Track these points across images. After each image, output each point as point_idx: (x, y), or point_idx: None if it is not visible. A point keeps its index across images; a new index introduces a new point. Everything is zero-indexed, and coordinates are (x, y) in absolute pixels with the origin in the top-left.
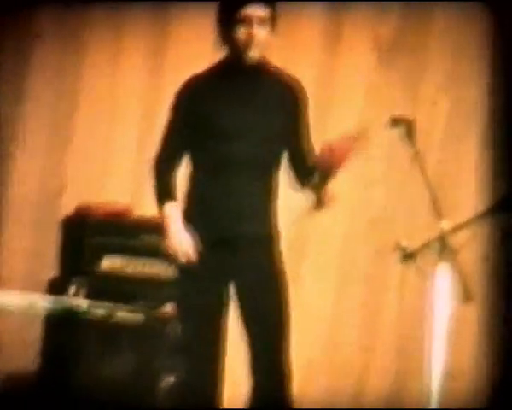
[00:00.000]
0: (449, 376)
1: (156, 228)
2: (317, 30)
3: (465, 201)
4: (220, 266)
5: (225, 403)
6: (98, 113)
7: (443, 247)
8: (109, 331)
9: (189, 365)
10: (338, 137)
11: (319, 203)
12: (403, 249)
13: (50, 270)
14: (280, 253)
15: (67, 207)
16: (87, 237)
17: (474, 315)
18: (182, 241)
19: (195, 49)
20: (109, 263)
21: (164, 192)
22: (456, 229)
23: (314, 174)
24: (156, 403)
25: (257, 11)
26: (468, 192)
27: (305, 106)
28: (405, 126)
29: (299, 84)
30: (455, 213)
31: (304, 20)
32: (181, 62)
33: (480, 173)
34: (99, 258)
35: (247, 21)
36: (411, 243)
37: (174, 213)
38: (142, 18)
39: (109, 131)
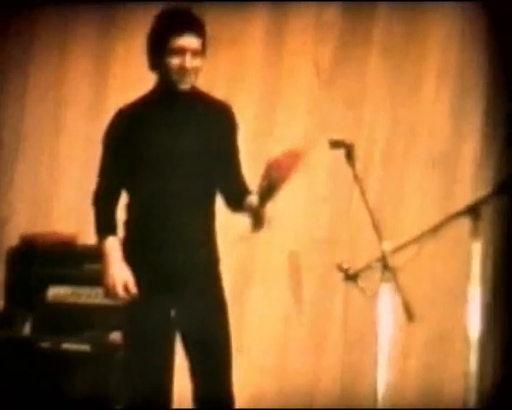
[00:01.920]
0: (394, 396)
1: (101, 256)
2: (259, 49)
3: (409, 220)
4: (161, 294)
5: None
6: (42, 141)
7: (385, 267)
8: (58, 360)
9: (136, 391)
10: (284, 152)
11: (257, 225)
12: (345, 271)
13: None
14: (220, 278)
15: (11, 237)
16: (32, 268)
17: (419, 334)
18: (122, 275)
19: (140, 68)
20: (55, 293)
21: (103, 226)
22: (398, 249)
23: (247, 198)
24: None
25: (190, 42)
26: (412, 211)
27: (236, 130)
28: (345, 149)
29: (229, 108)
30: (399, 233)
31: (245, 41)
32: (126, 81)
33: (424, 192)
34: (45, 288)
35: (180, 52)
36: (354, 264)
37: (113, 248)
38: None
39: (53, 160)
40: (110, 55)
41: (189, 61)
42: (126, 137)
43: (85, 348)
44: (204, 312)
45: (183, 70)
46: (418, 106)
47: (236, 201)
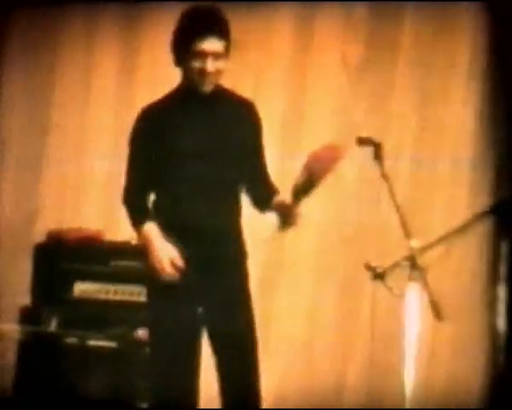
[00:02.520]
0: (421, 395)
1: (127, 253)
2: (287, 46)
3: (437, 219)
4: (190, 289)
5: None
6: (69, 137)
7: (413, 266)
8: (83, 358)
9: (162, 389)
10: (324, 146)
11: (286, 223)
12: (373, 269)
13: (22, 298)
14: (247, 274)
15: (39, 234)
16: (59, 264)
17: (448, 333)
18: (167, 252)
19: (167, 61)
20: (81, 289)
21: (139, 216)
22: (426, 248)
23: (275, 197)
24: None
25: (212, 46)
26: (440, 210)
27: (260, 129)
28: (373, 147)
29: (253, 107)
30: (427, 232)
31: (273, 38)
32: (151, 78)
33: (453, 192)
34: (71, 285)
35: (202, 56)
36: (381, 263)
37: (153, 230)
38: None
39: (80, 157)
40: (136, 53)
41: (211, 65)
42: (152, 136)
43: (111, 344)
44: (232, 309)
45: (204, 73)
46: (447, 106)
47: (263, 201)
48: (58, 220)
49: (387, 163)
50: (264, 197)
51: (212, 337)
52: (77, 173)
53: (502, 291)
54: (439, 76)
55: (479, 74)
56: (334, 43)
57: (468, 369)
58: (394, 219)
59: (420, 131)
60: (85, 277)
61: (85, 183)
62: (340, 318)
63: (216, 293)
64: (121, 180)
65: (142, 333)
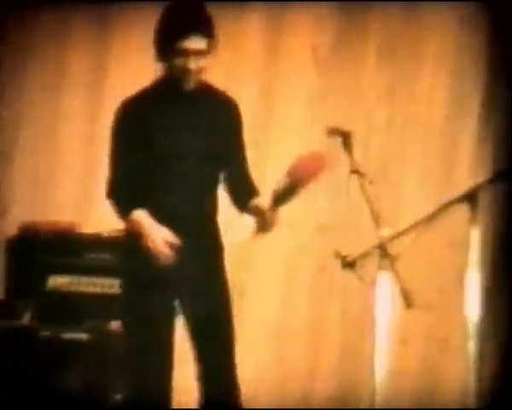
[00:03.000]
0: (392, 383)
1: (101, 246)
2: (258, 41)
3: (407, 207)
4: (166, 279)
5: None
6: (41, 130)
7: (383, 254)
8: (57, 350)
9: (136, 380)
10: (309, 154)
11: (264, 228)
12: (343, 258)
13: None
14: (224, 265)
15: (11, 227)
16: (32, 257)
17: (417, 321)
18: (161, 233)
19: (137, 59)
20: (55, 282)
21: (126, 205)
22: (396, 236)
23: (254, 199)
24: None
25: (196, 44)
26: (410, 199)
27: (241, 126)
28: (342, 137)
29: (234, 103)
30: (397, 221)
31: (245, 32)
32: (123, 74)
33: (422, 180)
34: (44, 278)
35: (185, 54)
36: (352, 252)
37: (142, 215)
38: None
39: (52, 149)
40: (107, 53)
41: (194, 63)
42: (134, 129)
43: (85, 337)
44: (208, 295)
45: (186, 71)
46: (415, 95)
47: (242, 201)
48: (30, 214)
49: (357, 153)
50: (242, 197)
51: (188, 324)
52: (49, 165)
53: (473, 278)
54: (408, 65)
55: (447, 59)
56: (305, 40)
57: (440, 356)
58: (364, 208)
59: (389, 120)
60: (59, 270)
61: (57, 175)
62: (312, 306)
63: (193, 281)
64: (95, 171)
65: (115, 325)
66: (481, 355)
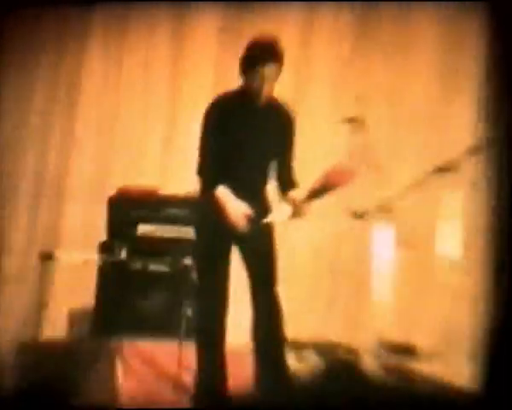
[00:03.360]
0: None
1: (177, 203)
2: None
3: (406, 172)
4: (226, 229)
5: (229, 333)
6: (134, 114)
7: (383, 209)
8: (144, 278)
9: (202, 301)
10: (341, 165)
11: (295, 215)
12: (354, 212)
13: (101, 235)
14: (272, 225)
15: (111, 189)
16: (126, 211)
17: (408, 259)
18: (240, 208)
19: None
20: (144, 229)
21: (211, 183)
22: (395, 195)
23: (290, 191)
24: (180, 330)
25: (270, 71)
26: (406, 165)
27: (292, 130)
28: (356, 124)
29: (291, 114)
30: (395, 184)
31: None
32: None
33: (417, 150)
34: (136, 226)
35: (261, 78)
36: (361, 207)
37: (225, 191)
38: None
39: (141, 131)
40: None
41: (268, 85)
42: (219, 123)
43: (165, 268)
44: (262, 243)
45: (260, 90)
46: (408, 72)
47: (284, 188)
48: (124, 179)
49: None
50: (284, 187)
51: (246, 264)
52: (141, 139)
53: (456, 226)
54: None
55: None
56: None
57: (425, 285)
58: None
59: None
60: (146, 220)
61: (147, 146)
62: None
63: (248, 234)
64: (174, 148)
65: (188, 261)
66: (459, 287)
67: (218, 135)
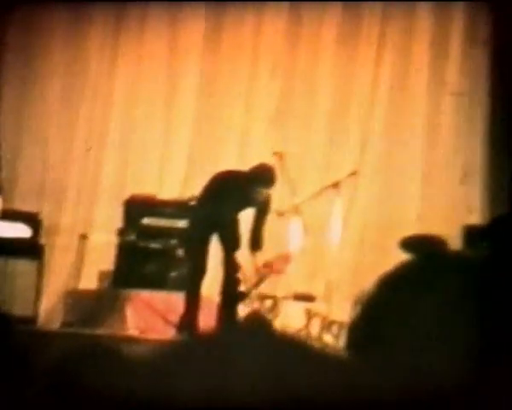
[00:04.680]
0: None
1: (168, 204)
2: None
3: (310, 185)
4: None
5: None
6: (154, 126)
7: (296, 210)
8: (147, 252)
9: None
10: (276, 256)
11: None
12: (276, 211)
13: (119, 224)
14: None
15: (126, 194)
16: (136, 209)
17: (310, 243)
18: None
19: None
20: (146, 221)
21: None
22: (303, 201)
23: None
24: (168, 285)
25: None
26: (311, 183)
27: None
28: (278, 157)
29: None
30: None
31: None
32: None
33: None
34: (142, 218)
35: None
36: (281, 208)
37: None
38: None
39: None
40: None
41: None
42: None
43: (160, 246)
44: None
45: None
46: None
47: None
48: (135, 188)
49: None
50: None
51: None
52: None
53: (336, 220)
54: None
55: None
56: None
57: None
58: None
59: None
60: (148, 215)
61: (166, 156)
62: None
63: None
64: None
65: (174, 242)
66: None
67: None
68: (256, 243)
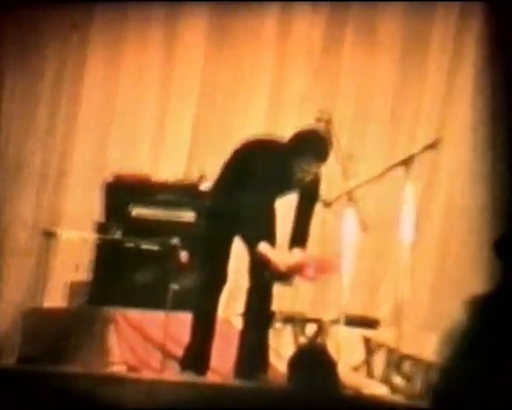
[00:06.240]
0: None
1: (166, 188)
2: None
3: (368, 164)
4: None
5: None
6: (130, 103)
7: (349, 198)
8: (136, 255)
9: (202, 280)
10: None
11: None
12: (323, 200)
13: (98, 216)
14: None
15: (108, 175)
16: (121, 195)
17: (371, 244)
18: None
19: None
20: (137, 212)
21: None
22: (358, 186)
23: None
24: (167, 302)
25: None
26: (370, 159)
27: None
28: (325, 123)
29: None
30: (360, 176)
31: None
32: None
33: (378, 147)
34: (130, 208)
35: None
36: (329, 196)
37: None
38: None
39: (134, 124)
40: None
41: None
42: None
43: (155, 247)
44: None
45: None
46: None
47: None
48: (120, 166)
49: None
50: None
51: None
52: (134, 128)
53: (408, 213)
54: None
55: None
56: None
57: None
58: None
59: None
60: (139, 203)
61: (138, 143)
62: None
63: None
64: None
65: (175, 240)
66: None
67: None
68: (299, 239)
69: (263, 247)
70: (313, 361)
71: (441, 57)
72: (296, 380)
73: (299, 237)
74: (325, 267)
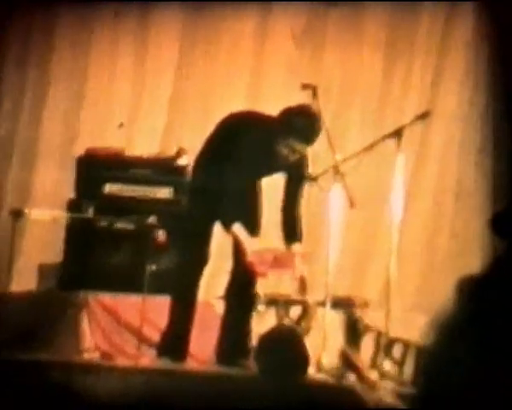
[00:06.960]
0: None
1: (141, 163)
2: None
3: (355, 137)
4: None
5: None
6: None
7: (336, 172)
8: (111, 235)
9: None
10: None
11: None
12: (308, 174)
13: (69, 194)
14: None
15: (79, 150)
16: (94, 171)
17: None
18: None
19: None
20: (110, 189)
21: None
22: (346, 159)
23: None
24: (143, 285)
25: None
26: (356, 132)
27: None
28: (312, 90)
29: None
30: (347, 149)
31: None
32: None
33: (364, 120)
34: (103, 185)
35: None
36: (315, 170)
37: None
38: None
39: (107, 96)
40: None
41: None
42: None
43: (130, 226)
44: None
45: None
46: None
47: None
48: (92, 141)
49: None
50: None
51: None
52: (105, 102)
53: (397, 187)
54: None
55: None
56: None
57: (371, 243)
58: (324, 139)
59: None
60: (112, 180)
61: (112, 114)
62: None
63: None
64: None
65: (152, 219)
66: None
67: None
68: (291, 231)
69: (236, 228)
70: (280, 344)
71: (432, 26)
72: (262, 364)
73: (293, 228)
74: (280, 264)
